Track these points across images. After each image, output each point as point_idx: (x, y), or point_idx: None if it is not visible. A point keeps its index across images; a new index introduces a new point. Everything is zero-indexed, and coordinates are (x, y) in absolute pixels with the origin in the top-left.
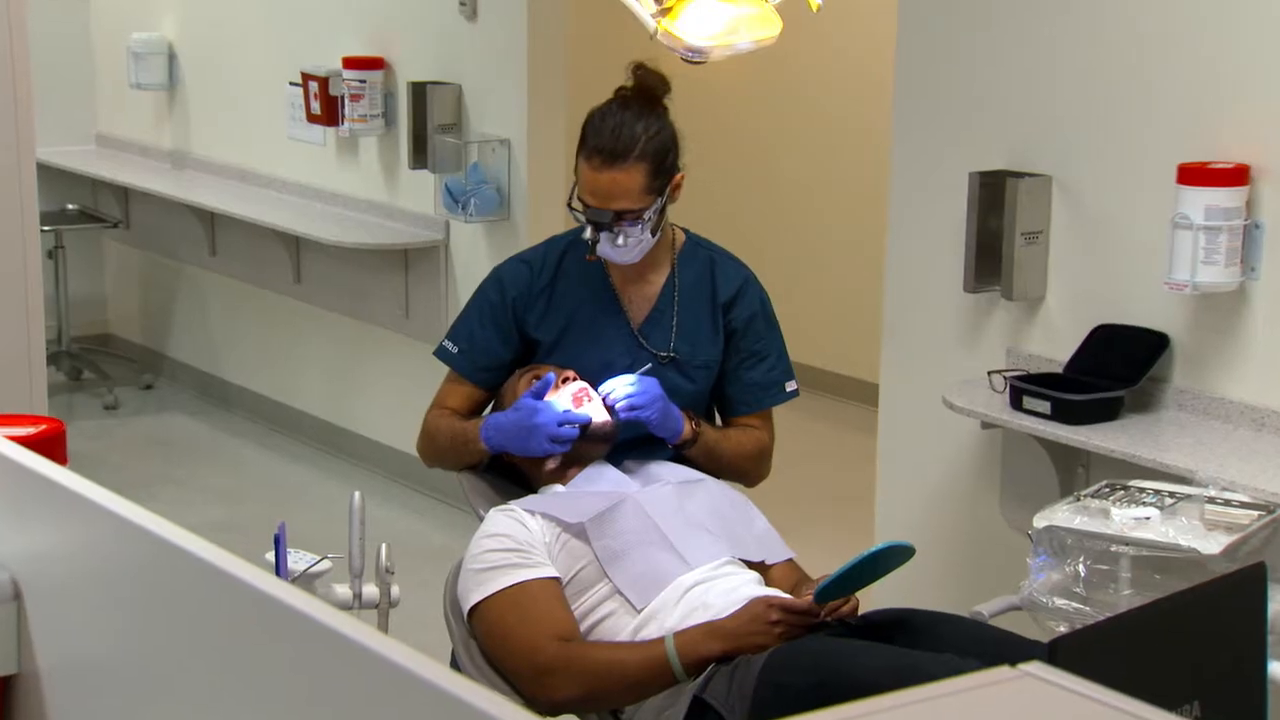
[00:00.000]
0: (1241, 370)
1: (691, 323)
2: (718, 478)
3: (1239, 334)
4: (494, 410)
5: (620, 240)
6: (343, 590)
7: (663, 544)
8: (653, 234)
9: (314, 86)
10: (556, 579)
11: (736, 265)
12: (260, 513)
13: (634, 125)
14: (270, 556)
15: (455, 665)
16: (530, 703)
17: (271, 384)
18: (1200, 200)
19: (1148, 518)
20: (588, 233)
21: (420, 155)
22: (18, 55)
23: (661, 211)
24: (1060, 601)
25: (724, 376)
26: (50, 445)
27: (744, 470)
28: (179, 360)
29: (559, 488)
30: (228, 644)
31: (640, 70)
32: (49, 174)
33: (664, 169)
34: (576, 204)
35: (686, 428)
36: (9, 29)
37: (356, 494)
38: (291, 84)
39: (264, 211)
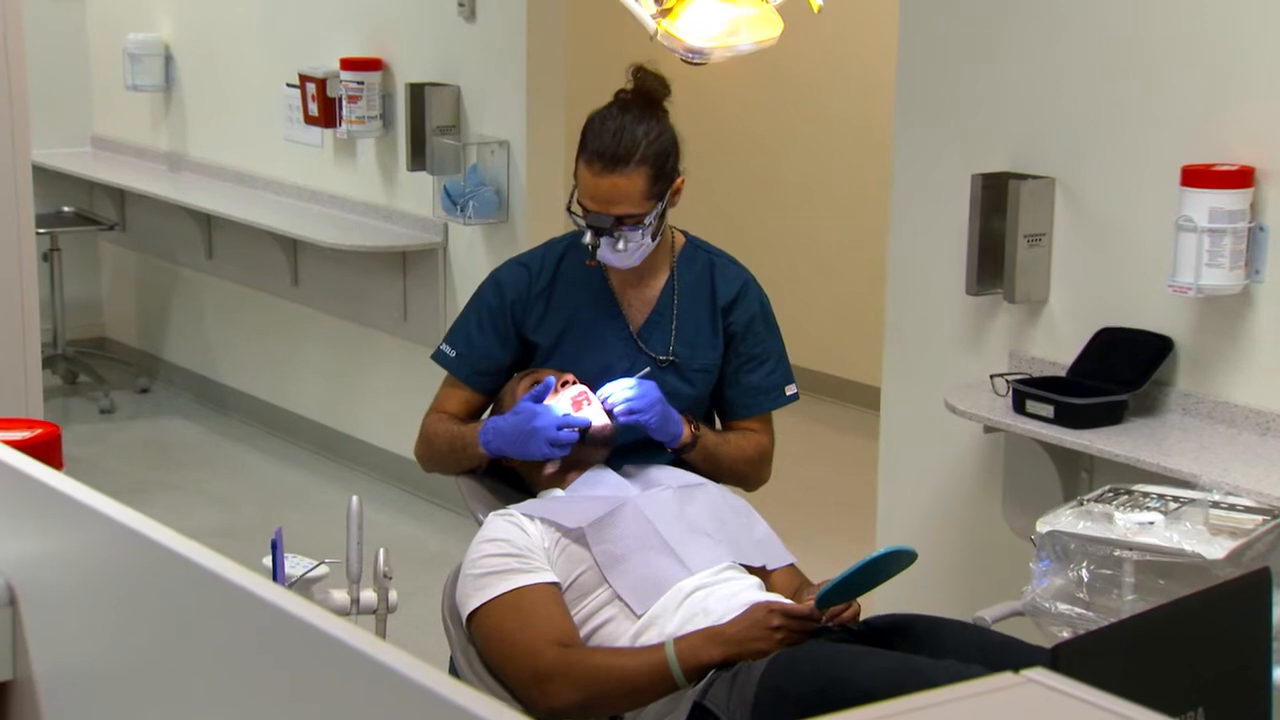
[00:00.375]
0: (1246, 374)
1: (691, 326)
2: (717, 482)
3: (1243, 337)
4: (493, 414)
5: (620, 245)
6: (340, 596)
7: (663, 549)
8: (653, 238)
9: (311, 88)
10: (556, 584)
11: (736, 268)
12: (257, 517)
13: (635, 129)
14: (267, 561)
15: (454, 671)
16: (529, 709)
17: (269, 388)
18: (1204, 202)
19: (1151, 522)
20: (588, 237)
21: (418, 157)
22: (13, 56)
23: (662, 216)
24: (1063, 607)
25: (723, 380)
26: (46, 449)
27: (744, 474)
28: (175, 364)
29: (558, 492)
30: (224, 650)
31: (640, 73)
32: (44, 176)
33: (665, 173)
34: (576, 208)
35: (686, 432)
36: (4, 30)
37: (354, 498)
38: (289, 85)
39: (261, 214)
